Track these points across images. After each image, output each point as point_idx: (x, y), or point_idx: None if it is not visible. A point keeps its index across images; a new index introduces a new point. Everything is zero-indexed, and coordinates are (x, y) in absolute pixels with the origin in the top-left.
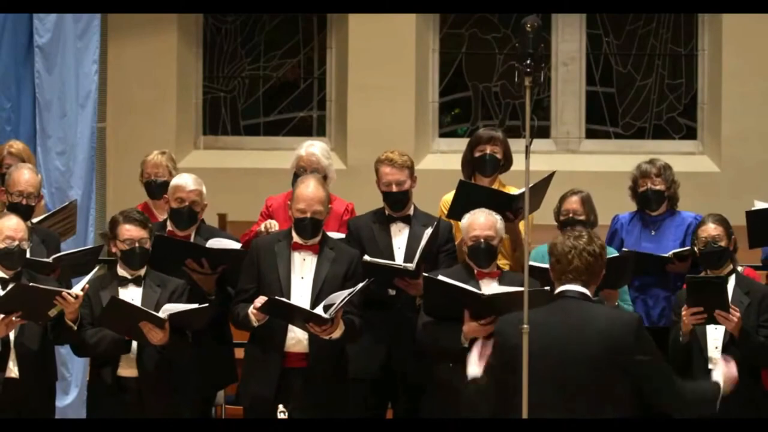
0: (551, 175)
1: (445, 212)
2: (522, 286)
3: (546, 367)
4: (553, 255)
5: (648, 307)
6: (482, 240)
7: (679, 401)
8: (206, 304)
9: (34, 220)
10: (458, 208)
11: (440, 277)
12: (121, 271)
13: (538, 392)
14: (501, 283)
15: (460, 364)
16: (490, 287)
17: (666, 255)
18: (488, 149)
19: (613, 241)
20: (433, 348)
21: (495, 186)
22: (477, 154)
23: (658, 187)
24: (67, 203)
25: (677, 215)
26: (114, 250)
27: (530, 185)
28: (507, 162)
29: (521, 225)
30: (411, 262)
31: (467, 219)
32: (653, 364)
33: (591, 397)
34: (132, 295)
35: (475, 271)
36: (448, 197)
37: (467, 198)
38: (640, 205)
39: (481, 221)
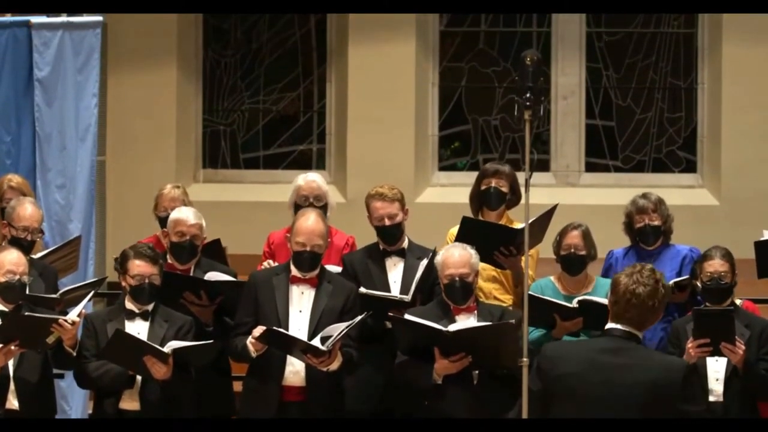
0: (554, 207)
1: None
2: (499, 316)
3: (590, 403)
4: (614, 294)
5: (644, 338)
6: (457, 278)
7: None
8: (211, 341)
9: (38, 255)
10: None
11: (406, 316)
12: (129, 305)
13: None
14: (479, 316)
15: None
16: (466, 322)
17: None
18: (493, 182)
19: (609, 276)
20: (407, 386)
21: (503, 221)
22: (483, 188)
23: (655, 223)
24: (71, 238)
25: (672, 248)
26: (123, 284)
27: (532, 219)
28: (514, 196)
29: (523, 259)
30: (407, 294)
31: (441, 256)
32: (701, 414)
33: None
34: (138, 329)
35: (452, 307)
36: (455, 230)
37: (471, 234)
38: (636, 240)
39: (455, 258)
